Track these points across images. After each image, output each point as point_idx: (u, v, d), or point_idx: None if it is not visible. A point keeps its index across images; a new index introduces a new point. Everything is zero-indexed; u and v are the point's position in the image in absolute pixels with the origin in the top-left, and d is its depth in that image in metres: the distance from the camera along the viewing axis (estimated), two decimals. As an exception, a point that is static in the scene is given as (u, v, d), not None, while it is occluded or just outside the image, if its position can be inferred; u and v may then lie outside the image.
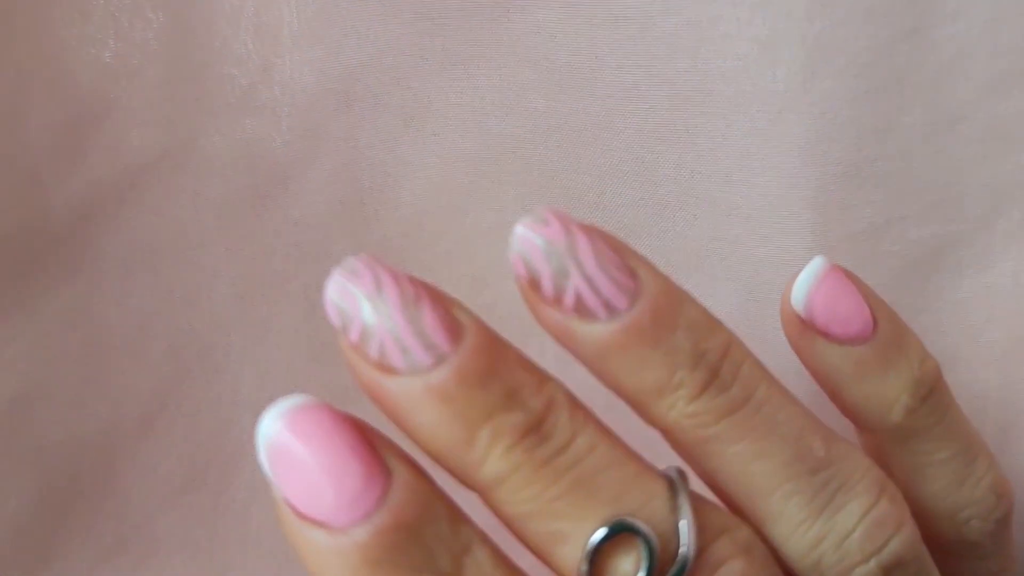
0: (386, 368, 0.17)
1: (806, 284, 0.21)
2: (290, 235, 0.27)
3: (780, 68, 0.25)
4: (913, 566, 0.20)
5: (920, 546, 0.20)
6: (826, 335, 0.21)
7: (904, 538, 0.19)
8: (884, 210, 0.26)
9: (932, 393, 0.21)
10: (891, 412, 0.21)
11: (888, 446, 0.22)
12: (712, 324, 0.19)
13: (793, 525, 0.19)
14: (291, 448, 0.17)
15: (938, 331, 0.27)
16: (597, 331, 0.18)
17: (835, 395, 0.22)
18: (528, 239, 0.18)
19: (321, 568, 0.17)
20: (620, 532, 0.17)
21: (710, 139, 0.26)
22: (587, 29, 0.26)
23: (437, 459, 0.18)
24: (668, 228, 0.27)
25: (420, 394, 0.17)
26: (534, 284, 0.18)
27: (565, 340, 0.19)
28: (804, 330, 0.21)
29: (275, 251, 0.27)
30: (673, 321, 0.18)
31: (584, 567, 0.17)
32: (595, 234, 0.18)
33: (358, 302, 0.17)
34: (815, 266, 0.21)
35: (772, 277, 0.26)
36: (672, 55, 0.25)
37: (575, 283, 0.18)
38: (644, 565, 0.17)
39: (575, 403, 0.18)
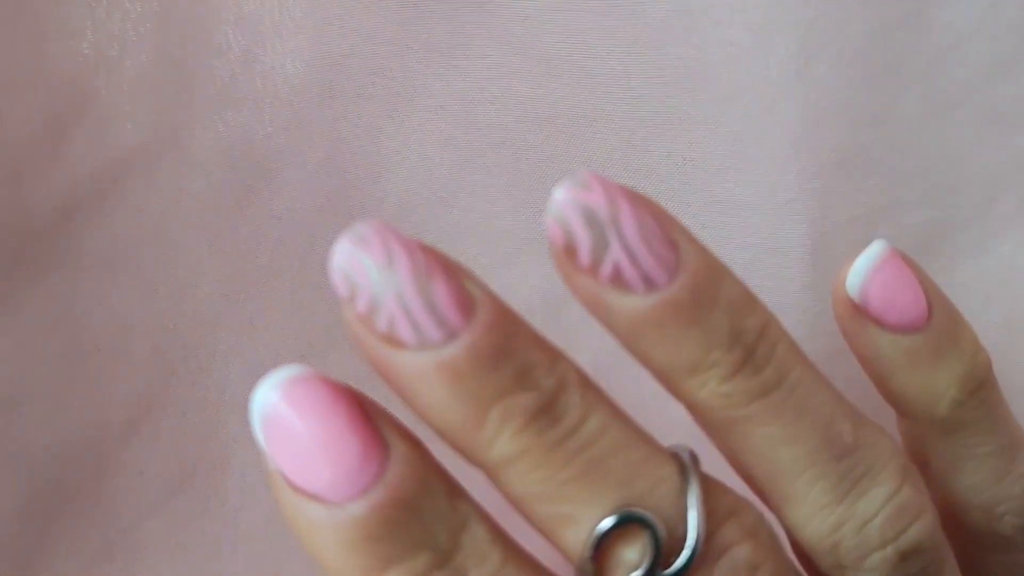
0: (395, 342, 0.16)
1: (864, 269, 0.21)
2: (274, 229, 0.26)
3: (774, 55, 0.25)
4: (930, 553, 0.20)
5: (939, 534, 0.20)
6: (879, 323, 0.21)
7: (923, 526, 0.19)
8: (880, 196, 0.26)
9: (981, 387, 0.21)
10: (938, 404, 0.21)
11: (931, 436, 0.22)
12: (751, 302, 0.18)
13: (815, 509, 0.19)
14: (287, 420, 0.16)
15: None
16: (633, 304, 0.17)
17: (881, 382, 0.22)
18: (568, 204, 0.17)
19: (315, 542, 0.16)
20: (628, 522, 0.17)
21: (703, 127, 0.25)
22: (576, 16, 0.25)
23: (445, 437, 0.17)
24: (661, 216, 0.26)
25: (430, 371, 0.16)
26: (570, 251, 0.17)
27: (597, 310, 0.18)
28: (857, 316, 0.21)
29: (259, 246, 0.26)
30: (712, 299, 0.18)
31: (588, 553, 0.17)
32: (640, 202, 0.17)
33: (367, 271, 0.16)
34: (874, 250, 0.21)
35: (767, 265, 0.26)
36: (663, 42, 0.25)
37: (615, 254, 0.17)
38: (649, 555, 0.17)
39: (586, 382, 0.18)
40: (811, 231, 0.26)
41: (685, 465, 0.18)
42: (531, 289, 0.28)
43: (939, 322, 0.21)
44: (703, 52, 0.25)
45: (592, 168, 0.26)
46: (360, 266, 0.16)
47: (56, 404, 0.24)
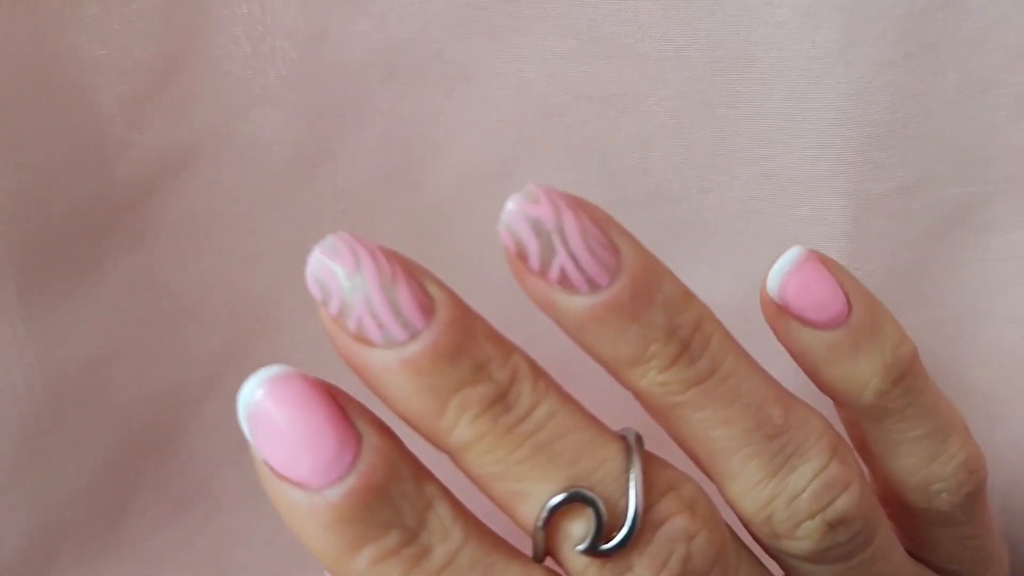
0: (364, 340, 0.18)
1: (781, 271, 0.22)
2: (337, 203, 0.28)
3: (819, 34, 0.26)
4: (858, 523, 0.21)
5: (867, 505, 0.21)
6: (800, 320, 0.22)
7: (850, 498, 0.21)
8: (916, 170, 0.27)
9: (904, 377, 0.22)
10: (863, 394, 0.22)
11: (863, 423, 0.23)
12: (687, 299, 0.20)
13: (750, 485, 0.21)
14: (271, 414, 0.18)
15: (965, 287, 0.28)
16: (578, 304, 0.19)
17: (812, 375, 0.23)
18: (517, 216, 0.19)
19: (298, 524, 0.18)
20: (575, 500, 0.19)
21: (750, 103, 0.26)
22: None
23: (410, 424, 0.19)
24: (708, 189, 0.27)
25: (395, 367, 0.18)
26: (522, 256, 0.19)
27: (548, 309, 0.20)
28: (780, 315, 0.22)
29: (323, 218, 0.28)
30: (650, 297, 0.19)
31: (540, 526, 0.19)
32: (582, 211, 0.19)
33: (337, 278, 0.18)
34: (791, 254, 0.22)
35: (807, 236, 0.27)
36: (714, 23, 0.26)
37: (560, 259, 0.19)
38: (592, 528, 0.19)
39: (538, 373, 0.19)
40: (852, 203, 0.27)
41: (630, 445, 0.20)
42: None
43: (858, 317, 0.22)
44: (752, 32, 0.26)
45: (642, 143, 0.27)
46: (330, 273, 0.18)
47: (142, 362, 0.26)
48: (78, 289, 0.24)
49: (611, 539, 0.19)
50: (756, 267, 0.28)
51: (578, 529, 0.19)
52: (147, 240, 0.25)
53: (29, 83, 0.23)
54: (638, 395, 0.21)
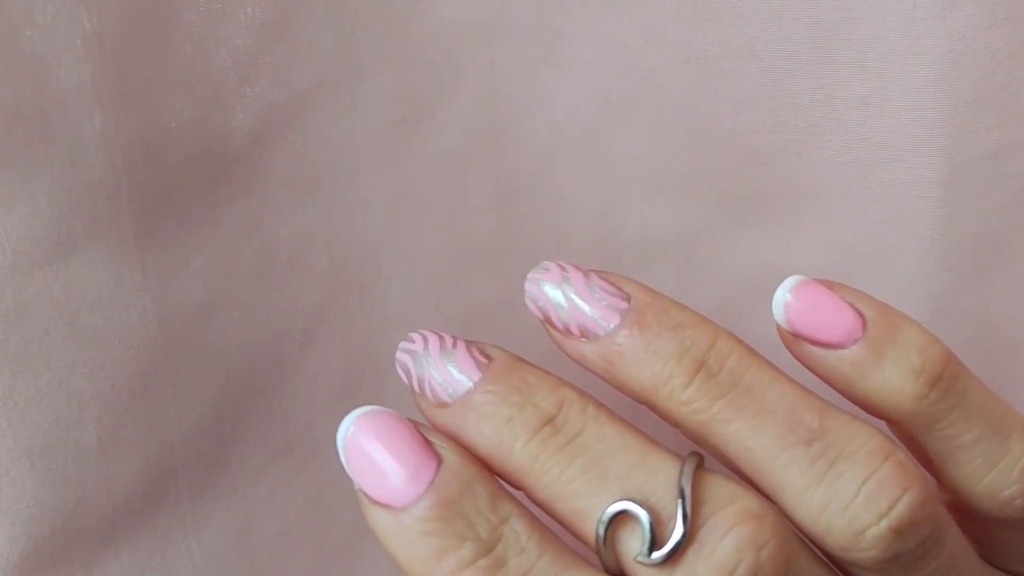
0: (440, 404, 0.22)
1: (781, 301, 0.23)
2: (434, 160, 0.28)
3: (920, -5, 0.26)
4: (925, 528, 0.21)
5: (933, 508, 0.21)
6: (815, 343, 0.22)
7: (912, 500, 0.20)
8: (1012, 134, 0.27)
9: (940, 379, 0.22)
10: (901, 401, 0.22)
11: (916, 434, 0.23)
12: (697, 323, 0.22)
13: (797, 493, 0.21)
14: (360, 444, 0.21)
15: None
16: (599, 346, 0.22)
17: (848, 395, 0.23)
18: (533, 286, 0.23)
19: (388, 542, 0.21)
20: (626, 512, 0.20)
21: (848, 66, 0.27)
22: None
23: (487, 464, 0.21)
24: (801, 151, 0.28)
25: (467, 415, 0.22)
26: (548, 320, 0.23)
27: (582, 361, 0.23)
28: (796, 342, 0.23)
29: (419, 176, 0.28)
30: (659, 326, 0.22)
31: (601, 542, 0.20)
32: (586, 269, 0.23)
33: (410, 358, 0.23)
34: (787, 283, 0.23)
35: (900, 200, 0.28)
36: None
37: (572, 310, 0.22)
38: (647, 539, 0.20)
39: (587, 401, 0.22)
40: (944, 166, 0.27)
41: (685, 460, 0.21)
42: (666, 225, 0.30)
43: (874, 328, 0.22)
44: (852, -8, 0.26)
45: (737, 105, 0.28)
46: (406, 355, 0.23)
47: (247, 310, 0.26)
48: (190, 235, 0.25)
49: (663, 548, 0.20)
50: (844, 232, 0.29)
51: (635, 540, 0.20)
52: (255, 191, 0.26)
53: (149, 36, 0.24)
54: (676, 423, 0.22)
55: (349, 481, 0.29)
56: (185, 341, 0.25)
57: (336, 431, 0.28)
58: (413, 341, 0.23)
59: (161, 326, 0.25)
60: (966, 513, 0.23)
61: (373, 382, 0.29)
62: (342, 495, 0.29)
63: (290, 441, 0.28)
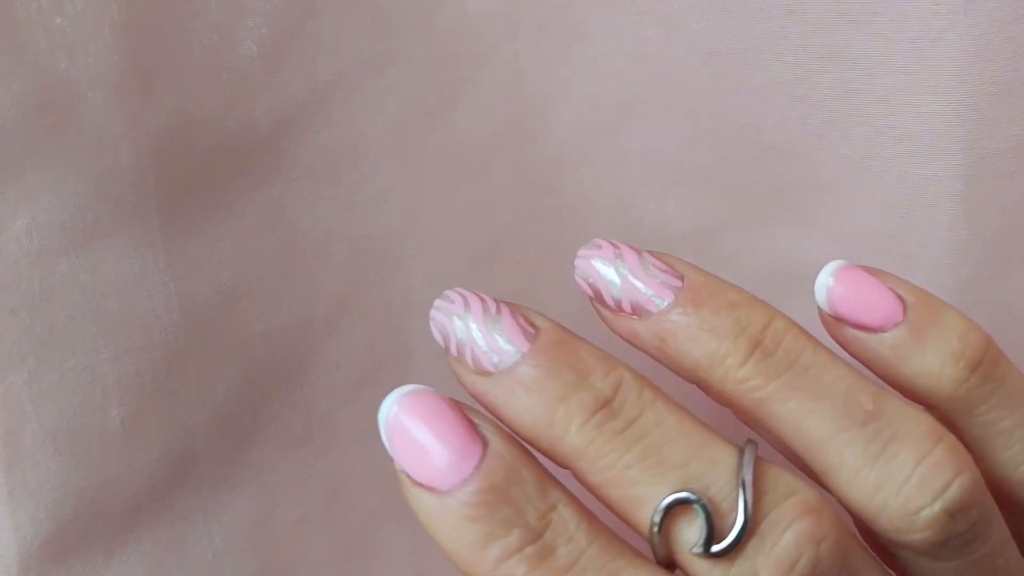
0: (481, 371, 0.21)
1: (823, 285, 0.23)
2: (456, 152, 0.28)
3: (942, -11, 0.26)
4: (975, 511, 0.21)
5: (984, 495, 0.21)
6: (857, 326, 0.23)
7: (965, 483, 0.20)
8: None
9: (980, 364, 0.22)
10: (941, 385, 0.22)
11: (955, 420, 0.23)
12: (752, 303, 0.22)
13: (852, 473, 0.20)
14: (404, 425, 0.20)
15: None
16: (651, 323, 0.22)
17: (888, 380, 0.23)
18: (584, 264, 0.22)
19: (432, 525, 0.20)
20: (685, 503, 0.20)
21: (870, 59, 0.27)
22: None
23: (530, 442, 0.21)
24: (823, 146, 0.28)
25: (511, 388, 0.21)
26: (598, 297, 0.22)
27: (633, 339, 0.22)
28: (838, 326, 0.23)
29: (441, 166, 0.29)
30: (715, 304, 0.21)
31: (656, 534, 0.20)
32: (637, 247, 0.22)
33: (452, 322, 0.21)
34: (830, 266, 0.23)
35: (921, 194, 0.28)
36: None
37: (625, 287, 0.22)
38: (704, 530, 0.19)
39: (644, 384, 0.21)
40: (965, 160, 0.27)
41: (743, 450, 0.20)
42: (686, 218, 0.30)
43: (915, 312, 0.22)
44: (874, -14, 0.26)
45: (758, 99, 0.28)
46: (446, 318, 0.21)
47: (269, 298, 0.27)
48: (214, 223, 0.25)
49: (723, 540, 0.20)
50: (865, 226, 0.29)
51: (692, 531, 0.20)
52: (278, 180, 0.26)
53: (175, 24, 0.24)
54: (729, 402, 0.21)
55: (369, 470, 0.30)
56: (208, 328, 0.26)
57: (357, 419, 0.28)
58: (451, 301, 0.21)
59: (184, 313, 0.25)
60: (1007, 503, 0.23)
61: (394, 371, 0.29)
62: (361, 484, 0.29)
63: (311, 429, 0.28)
